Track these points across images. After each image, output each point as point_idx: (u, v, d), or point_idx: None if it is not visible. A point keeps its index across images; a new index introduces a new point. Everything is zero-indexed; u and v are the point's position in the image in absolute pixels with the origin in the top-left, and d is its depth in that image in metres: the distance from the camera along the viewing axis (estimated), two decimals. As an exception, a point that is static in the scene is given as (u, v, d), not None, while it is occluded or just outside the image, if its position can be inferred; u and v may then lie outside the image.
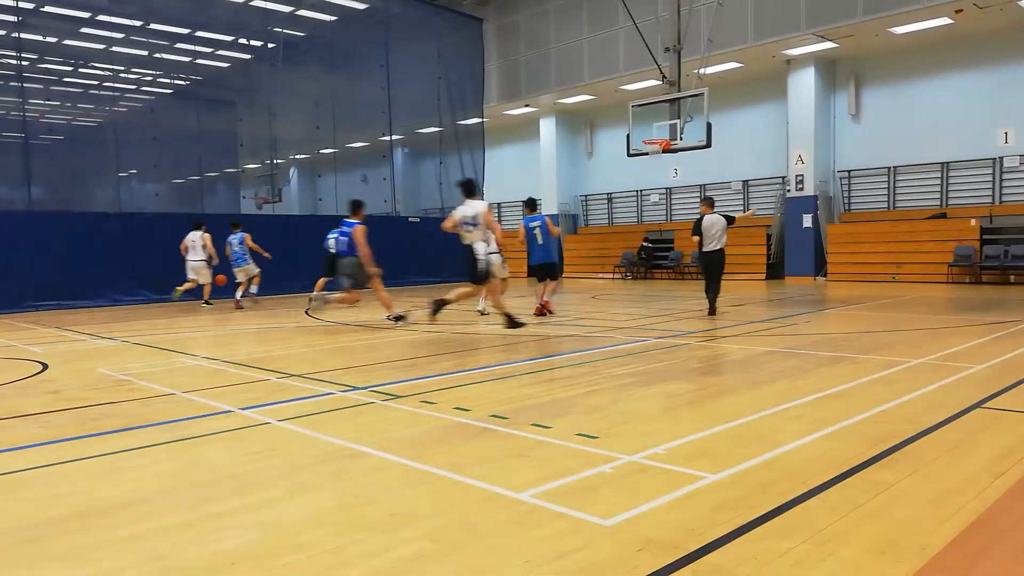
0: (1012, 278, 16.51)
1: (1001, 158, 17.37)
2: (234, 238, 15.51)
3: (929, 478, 3.40)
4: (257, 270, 15.79)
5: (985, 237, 16.97)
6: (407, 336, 9.63)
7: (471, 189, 9.92)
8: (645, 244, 23.45)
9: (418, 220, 22.96)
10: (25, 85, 16.26)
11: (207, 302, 15.25)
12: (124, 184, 18.98)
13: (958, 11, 15.63)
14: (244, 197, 22.78)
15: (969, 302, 12.54)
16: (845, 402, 5.04)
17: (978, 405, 4.83)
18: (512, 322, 9.64)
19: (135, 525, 3.09)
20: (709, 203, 11.71)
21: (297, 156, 26.37)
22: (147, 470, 3.90)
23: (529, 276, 12.38)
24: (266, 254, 15.95)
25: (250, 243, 15.57)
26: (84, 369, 7.44)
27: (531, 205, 12.48)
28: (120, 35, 18.58)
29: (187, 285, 15.09)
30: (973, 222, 17.06)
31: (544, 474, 3.59)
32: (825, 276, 19.44)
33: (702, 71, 15.86)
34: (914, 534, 2.76)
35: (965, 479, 3.38)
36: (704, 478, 3.47)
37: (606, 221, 25.96)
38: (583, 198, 26.62)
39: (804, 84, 19.56)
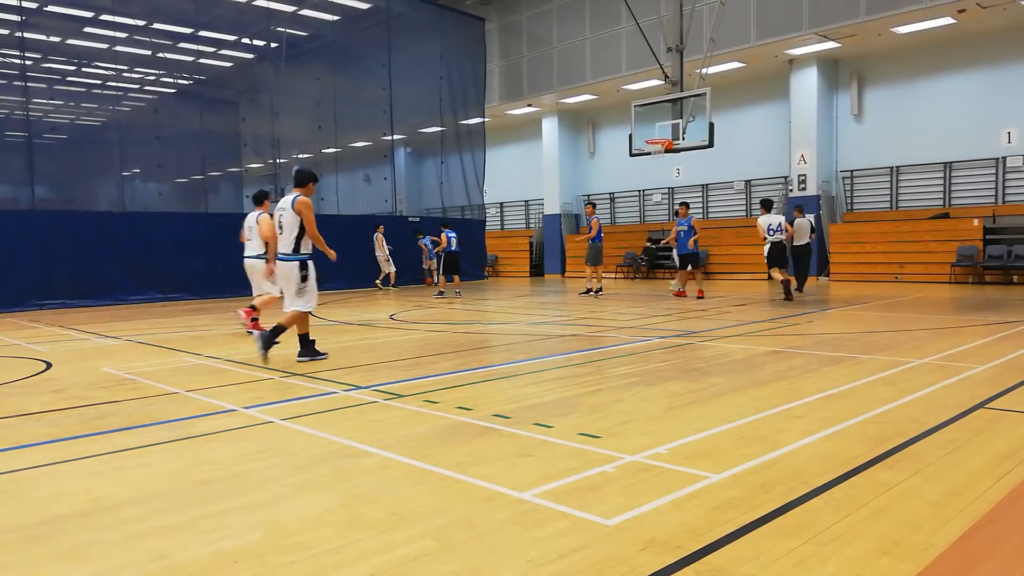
0: (1015, 278, 16.48)
1: (1004, 158, 17.34)
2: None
3: (932, 478, 3.40)
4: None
5: (988, 237, 16.94)
6: (409, 335, 9.63)
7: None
8: (648, 244, 23.45)
9: (418, 220, 22.99)
10: (29, 84, 16.27)
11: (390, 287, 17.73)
12: (127, 183, 19.01)
13: (961, 11, 15.61)
14: (247, 196, 22.75)
15: (972, 302, 12.52)
16: (847, 402, 5.03)
17: (981, 405, 4.83)
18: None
19: (137, 524, 3.10)
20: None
21: (300, 155, 26.38)
22: (149, 469, 3.90)
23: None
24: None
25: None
26: (87, 368, 7.45)
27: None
28: (123, 35, 18.60)
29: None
30: (976, 222, 17.03)
31: (546, 474, 3.59)
32: (828, 276, 19.41)
33: (704, 71, 15.85)
34: (917, 534, 2.76)
35: (968, 479, 3.37)
36: (706, 478, 3.46)
37: (608, 221, 25.94)
38: (585, 198, 26.60)
39: (806, 84, 19.53)
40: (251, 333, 8.90)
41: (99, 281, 15.97)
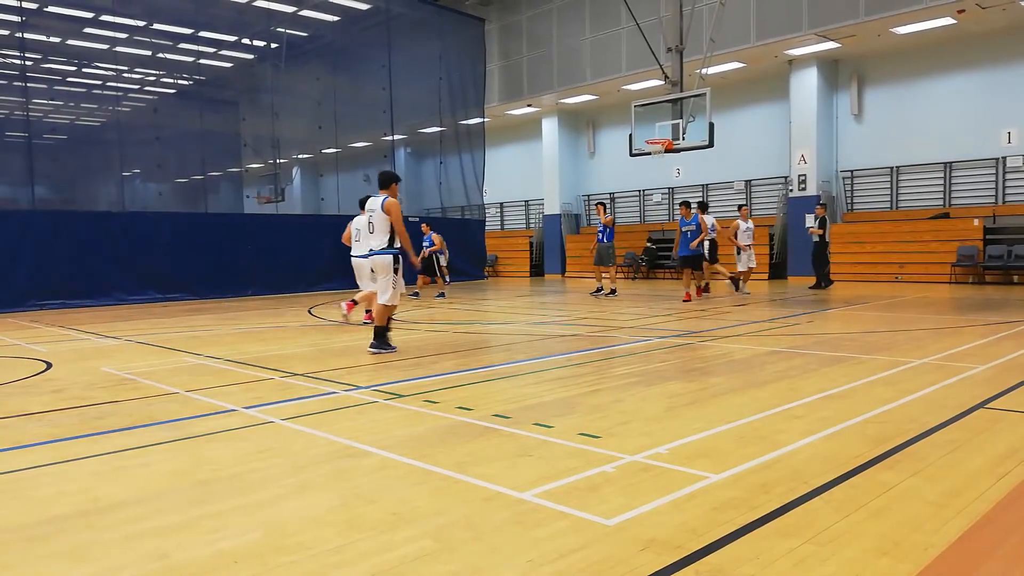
0: (1015, 278, 16.48)
1: (1004, 158, 17.34)
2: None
3: (932, 478, 3.40)
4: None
5: (988, 237, 16.93)
6: (410, 335, 9.63)
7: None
8: (648, 244, 23.45)
9: (418, 220, 22.99)
10: (29, 85, 16.27)
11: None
12: (127, 183, 19.01)
13: (960, 11, 15.61)
14: (247, 197, 22.82)
15: (972, 302, 12.52)
16: (847, 402, 5.03)
17: (980, 406, 4.83)
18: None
19: (137, 524, 3.10)
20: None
21: (300, 156, 26.40)
22: (149, 469, 3.90)
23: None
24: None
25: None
26: (87, 368, 7.45)
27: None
28: (123, 35, 18.61)
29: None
30: (976, 222, 17.03)
31: (546, 474, 3.59)
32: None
33: (704, 71, 15.85)
34: (917, 534, 2.76)
35: (967, 479, 3.37)
36: (706, 478, 3.47)
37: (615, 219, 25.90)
38: (585, 198, 26.61)
39: (806, 84, 19.53)
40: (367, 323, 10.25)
41: (99, 281, 15.97)
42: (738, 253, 15.51)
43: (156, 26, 18.93)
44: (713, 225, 15.43)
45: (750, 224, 15.64)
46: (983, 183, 17.76)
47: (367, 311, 10.59)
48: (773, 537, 2.79)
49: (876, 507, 3.06)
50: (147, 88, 21.60)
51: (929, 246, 17.57)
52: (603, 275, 16.23)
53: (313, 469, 3.82)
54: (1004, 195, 17.45)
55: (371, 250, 8.06)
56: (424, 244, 16.67)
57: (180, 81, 21.04)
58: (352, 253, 10.75)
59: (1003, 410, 4.73)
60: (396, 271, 7.91)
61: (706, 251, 14.95)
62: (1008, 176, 17.37)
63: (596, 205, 16.20)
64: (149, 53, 19.35)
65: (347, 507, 3.23)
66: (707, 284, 15.73)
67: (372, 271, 8.57)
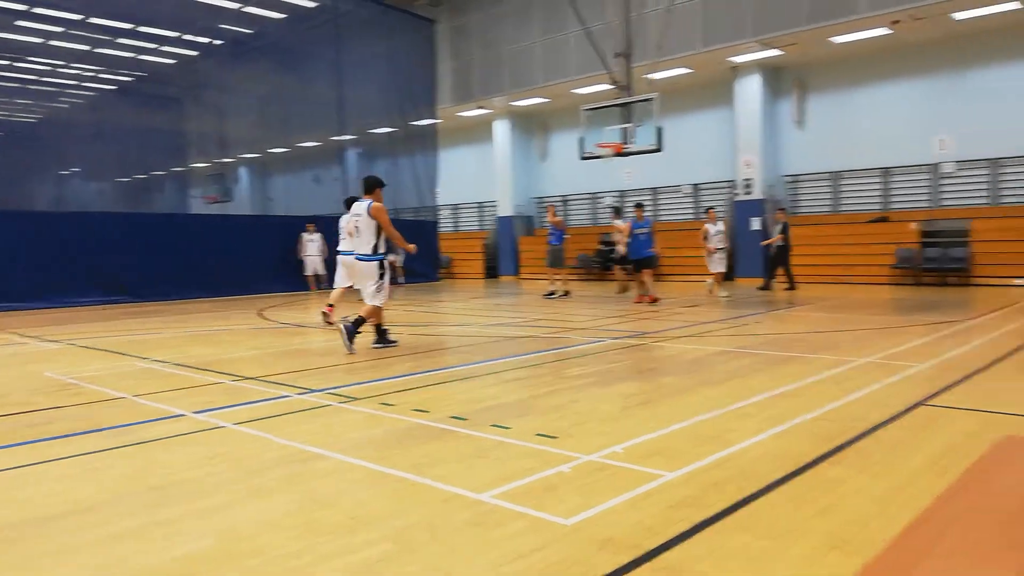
0: (950, 280, 17.15)
1: (938, 164, 18.04)
2: None
3: (877, 474, 3.52)
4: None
5: (925, 240, 17.59)
6: (364, 338, 9.53)
7: None
8: (600, 246, 23.66)
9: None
10: (-42, 80, 15.60)
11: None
12: (66, 183, 18.40)
13: (895, 22, 16.19)
14: (192, 196, 22.28)
15: (911, 303, 12.99)
16: (795, 401, 5.17)
17: (921, 403, 5.02)
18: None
19: (84, 533, 3.01)
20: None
21: (247, 155, 25.90)
22: (96, 476, 3.79)
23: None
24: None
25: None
26: (28, 373, 7.19)
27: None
28: (59, 29, 17.98)
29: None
30: (913, 225, 17.66)
31: (504, 474, 3.61)
32: (773, 278, 19.86)
33: (652, 76, 16.09)
34: (864, 529, 2.85)
35: (910, 475, 3.50)
36: (661, 477, 3.53)
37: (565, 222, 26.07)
38: (538, 200, 26.73)
39: (751, 90, 20.00)
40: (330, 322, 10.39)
41: (37, 284, 15.38)
42: (709, 256, 15.33)
43: (94, 20, 18.35)
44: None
45: (720, 226, 15.41)
46: (919, 188, 18.44)
47: (329, 305, 10.92)
48: (727, 534, 2.85)
49: (825, 503, 3.15)
50: (86, 84, 20.93)
51: (869, 248, 18.15)
52: (555, 277, 16.34)
53: (267, 473, 3.75)
54: (939, 199, 18.15)
55: (357, 254, 8.22)
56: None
57: (120, 77, 20.44)
58: (338, 249, 11.29)
59: (943, 407, 4.92)
60: (382, 276, 8.05)
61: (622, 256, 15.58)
62: (942, 181, 18.08)
63: (547, 207, 16.39)
64: (87, 48, 18.75)
65: (303, 511, 3.19)
66: (626, 286, 16.09)
67: (355, 274, 8.78)
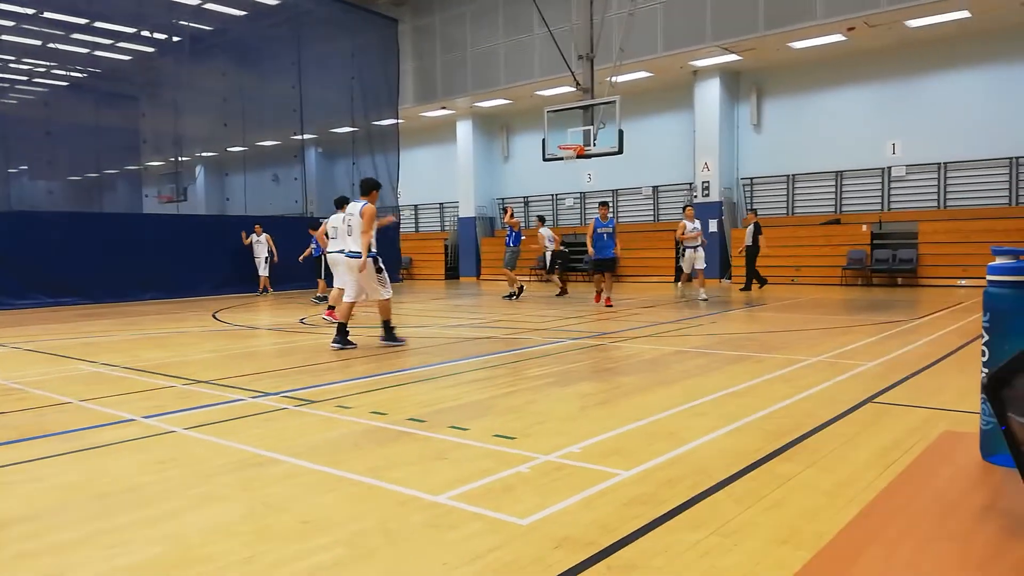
0: (899, 280, 17.63)
1: (889, 168, 18.53)
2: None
3: (826, 469, 3.60)
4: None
5: (875, 242, 18.06)
6: (320, 340, 9.43)
7: None
8: (561, 248, 23.74)
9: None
10: (-101, 72, 15.03)
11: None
12: (14, 181, 17.83)
13: (850, 28, 16.60)
14: (147, 196, 21.77)
15: (860, 303, 13.31)
16: (748, 399, 5.26)
17: (869, 400, 5.14)
18: None
19: (26, 542, 2.92)
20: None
21: (204, 154, 25.42)
22: (41, 484, 3.68)
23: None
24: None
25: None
26: (-33, 378, 6.94)
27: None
28: (9, 23, 17.45)
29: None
30: (864, 228, 18.12)
31: (462, 476, 3.60)
32: (730, 279, 20.20)
33: (614, 79, 16.23)
34: (813, 523, 2.92)
35: (858, 469, 3.59)
36: (617, 475, 3.56)
37: (523, 224, 26.16)
38: (500, 201, 26.76)
39: (710, 94, 20.31)
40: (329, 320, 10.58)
41: (-19, 285, 14.90)
42: (683, 253, 14.78)
43: (47, 15, 17.84)
44: (552, 237, 17.49)
45: (696, 224, 14.58)
46: (871, 191, 18.93)
47: (329, 307, 11.38)
48: (680, 530, 2.89)
49: (775, 498, 3.22)
50: (36, 80, 20.33)
51: (822, 250, 18.57)
52: (514, 278, 16.37)
53: (218, 479, 3.69)
54: (890, 203, 18.64)
55: (349, 252, 8.59)
56: (312, 245, 15.54)
57: (73, 73, 19.90)
58: (328, 250, 11.81)
59: (889, 404, 5.05)
60: (379, 271, 8.40)
61: (547, 262, 16.19)
62: (893, 185, 18.57)
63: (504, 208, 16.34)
64: (39, 43, 18.22)
65: (255, 517, 3.14)
66: (564, 290, 16.41)
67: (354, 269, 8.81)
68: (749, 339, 8.60)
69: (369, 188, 8.52)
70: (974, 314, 10.59)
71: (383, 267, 8.44)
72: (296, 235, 19.21)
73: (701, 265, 14.46)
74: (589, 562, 2.61)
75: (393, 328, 8.71)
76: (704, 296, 14.18)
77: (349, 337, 8.49)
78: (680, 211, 22.18)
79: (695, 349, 7.84)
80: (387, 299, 8.51)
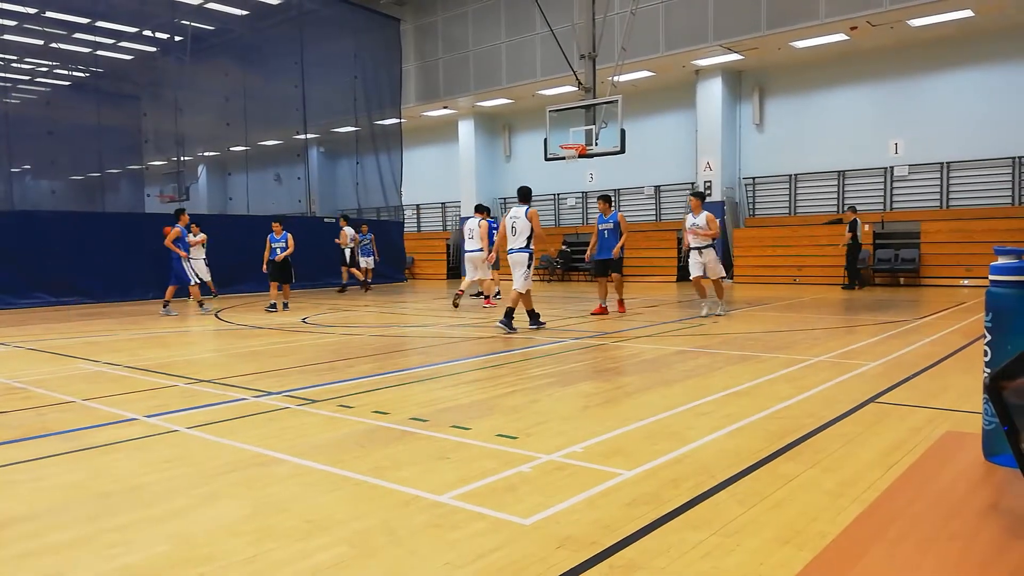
0: (902, 280, 17.61)
1: (892, 167, 18.50)
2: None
3: (828, 470, 3.60)
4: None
5: (877, 242, 18.03)
6: (323, 339, 9.44)
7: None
8: (563, 247, 23.78)
9: (334, 220, 22.55)
10: (-98, 72, 15.06)
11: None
12: (17, 180, 17.86)
13: (853, 28, 16.58)
14: (149, 195, 21.79)
15: (863, 303, 13.29)
16: (751, 399, 5.26)
17: (871, 400, 5.14)
18: None
19: (29, 541, 2.93)
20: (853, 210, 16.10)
21: (206, 153, 25.44)
22: (43, 483, 3.69)
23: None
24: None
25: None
26: (-29, 377, 6.96)
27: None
28: (12, 23, 17.47)
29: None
30: (866, 227, 18.09)
31: (464, 475, 3.61)
32: (731, 278, 20.19)
33: (616, 79, 16.22)
34: (815, 523, 2.92)
35: (860, 470, 3.59)
36: (619, 475, 3.56)
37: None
38: (501, 200, 26.75)
39: (712, 94, 20.29)
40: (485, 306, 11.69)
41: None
42: (687, 254, 11.94)
43: (49, 14, 17.87)
44: (353, 236, 18.55)
45: (701, 218, 11.37)
46: (873, 190, 18.90)
47: (484, 296, 13.93)
48: (683, 530, 2.89)
49: (778, 498, 3.21)
50: (39, 80, 20.37)
51: (824, 250, 18.54)
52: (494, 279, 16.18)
53: (221, 478, 3.69)
54: (892, 202, 18.62)
55: (513, 248, 9.94)
56: (276, 245, 13.98)
57: (75, 73, 19.93)
58: (466, 249, 13.97)
59: (892, 404, 5.05)
60: (530, 265, 9.82)
61: (347, 258, 16.94)
62: (895, 184, 18.55)
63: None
64: (41, 43, 18.25)
65: (259, 516, 3.15)
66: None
67: (512, 265, 10.15)
68: (751, 339, 8.60)
69: (528, 195, 10.15)
70: (976, 314, 10.58)
71: (532, 264, 9.91)
72: (298, 234, 19.24)
73: (714, 271, 11.32)
74: (591, 562, 2.61)
75: (538, 313, 10.20)
76: (720, 311, 11.44)
77: (541, 319, 10.08)
78: (682, 211, 22.21)
79: (698, 349, 7.84)
80: (524, 292, 9.89)
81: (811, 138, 19.62)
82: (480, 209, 14.13)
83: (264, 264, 14.20)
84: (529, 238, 9.81)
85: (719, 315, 11.26)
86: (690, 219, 11.50)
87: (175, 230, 13.34)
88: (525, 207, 9.93)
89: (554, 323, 10.94)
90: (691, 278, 11.56)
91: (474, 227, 13.89)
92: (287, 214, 21.44)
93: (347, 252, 19.32)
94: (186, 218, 14.03)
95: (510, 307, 9.74)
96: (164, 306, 13.33)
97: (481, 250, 13.62)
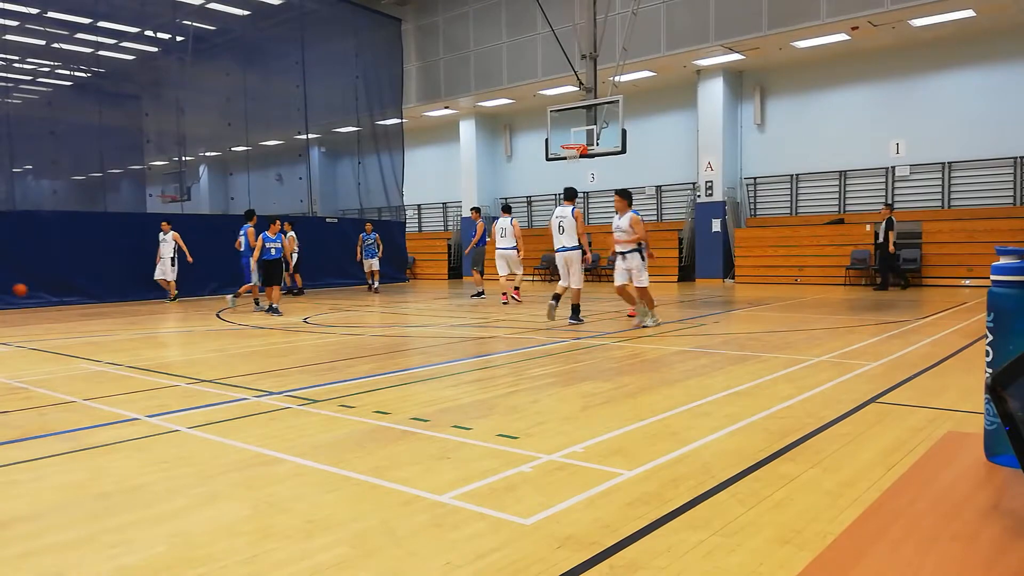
0: (903, 281, 17.58)
1: (893, 167, 18.49)
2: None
3: (829, 470, 3.60)
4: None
5: (879, 242, 17.99)
6: (324, 339, 9.44)
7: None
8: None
9: (335, 221, 22.56)
10: (-96, 72, 15.07)
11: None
12: (19, 180, 17.87)
13: (854, 28, 16.56)
14: (150, 195, 21.80)
15: (864, 303, 13.28)
16: (751, 399, 5.26)
17: (872, 400, 5.13)
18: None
19: (31, 541, 2.93)
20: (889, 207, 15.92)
21: (207, 153, 25.46)
22: (44, 482, 3.69)
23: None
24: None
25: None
26: (-28, 377, 6.97)
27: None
28: (13, 23, 17.49)
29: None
30: (868, 227, 18.08)
31: (465, 475, 3.60)
32: (733, 278, 20.19)
33: (617, 79, 16.21)
34: (816, 523, 2.92)
35: (861, 470, 3.59)
36: (620, 475, 3.55)
37: (526, 223, 26.18)
38: (503, 200, 26.74)
39: (713, 94, 20.28)
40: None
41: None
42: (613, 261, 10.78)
43: (51, 14, 17.88)
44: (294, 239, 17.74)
45: (626, 219, 9.94)
46: (874, 191, 18.89)
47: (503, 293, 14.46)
48: (683, 530, 2.89)
49: (778, 498, 3.21)
50: (40, 80, 20.39)
51: (825, 250, 18.54)
52: (480, 278, 16.36)
53: (222, 478, 3.69)
54: (893, 202, 18.59)
55: (564, 247, 10.54)
56: (271, 245, 13.19)
57: (77, 73, 19.95)
58: (498, 247, 14.38)
59: (892, 404, 5.04)
60: (583, 262, 10.55)
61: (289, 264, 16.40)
62: (897, 185, 18.54)
63: (472, 211, 16.14)
64: (43, 43, 18.26)
65: (259, 516, 3.14)
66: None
67: (565, 263, 10.73)
68: (752, 339, 8.59)
69: (574, 194, 10.75)
70: (978, 314, 10.56)
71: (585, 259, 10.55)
72: (301, 234, 19.29)
73: (639, 280, 9.87)
74: (592, 562, 2.61)
75: (579, 309, 10.64)
76: (650, 322, 10.06)
77: (580, 315, 10.60)
78: (683, 211, 22.19)
79: (698, 349, 7.83)
80: (580, 288, 10.51)
81: (812, 138, 19.60)
82: (506, 209, 14.89)
83: (254, 262, 13.34)
84: (577, 236, 10.47)
85: (647, 326, 9.90)
86: (615, 221, 10.12)
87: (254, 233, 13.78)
88: (571, 207, 10.48)
89: (554, 323, 10.93)
90: (615, 286, 10.26)
91: (506, 226, 14.31)
92: (289, 214, 21.44)
93: (294, 257, 18.24)
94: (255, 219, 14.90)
95: (575, 304, 10.49)
96: (255, 303, 14.31)
97: (514, 248, 14.26)
